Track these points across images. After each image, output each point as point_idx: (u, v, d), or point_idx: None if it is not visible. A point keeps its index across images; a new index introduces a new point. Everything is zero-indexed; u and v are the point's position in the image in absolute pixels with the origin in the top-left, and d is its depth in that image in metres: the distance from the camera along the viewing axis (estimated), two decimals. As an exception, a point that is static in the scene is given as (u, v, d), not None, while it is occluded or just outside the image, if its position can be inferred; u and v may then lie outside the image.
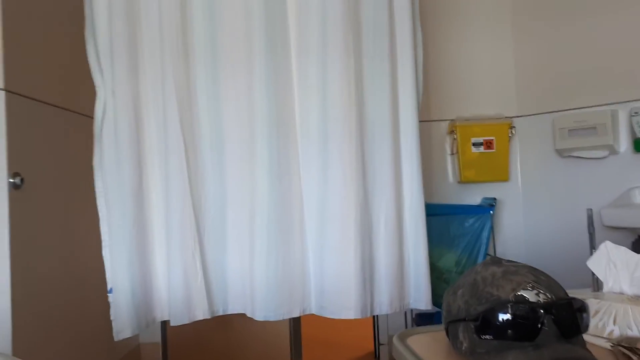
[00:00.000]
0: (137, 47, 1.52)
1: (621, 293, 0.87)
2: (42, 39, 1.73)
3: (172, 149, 1.49)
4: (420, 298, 1.66)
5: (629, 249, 2.04)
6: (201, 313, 1.49)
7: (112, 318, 1.45)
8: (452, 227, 2.20)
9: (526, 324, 0.67)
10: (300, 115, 1.57)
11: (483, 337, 0.70)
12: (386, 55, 1.64)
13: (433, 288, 1.69)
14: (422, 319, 2.31)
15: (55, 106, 1.79)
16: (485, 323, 0.70)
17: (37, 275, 1.65)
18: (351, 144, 1.57)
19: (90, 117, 1.55)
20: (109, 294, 1.48)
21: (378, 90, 1.63)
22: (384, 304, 1.60)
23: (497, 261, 0.79)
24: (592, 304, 0.83)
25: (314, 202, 1.57)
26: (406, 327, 2.22)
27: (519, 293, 0.70)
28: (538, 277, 0.74)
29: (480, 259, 2.15)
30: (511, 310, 0.68)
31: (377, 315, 2.47)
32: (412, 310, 2.34)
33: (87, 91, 1.55)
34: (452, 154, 2.45)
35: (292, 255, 1.53)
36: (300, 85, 1.57)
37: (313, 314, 1.60)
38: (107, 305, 1.48)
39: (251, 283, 1.51)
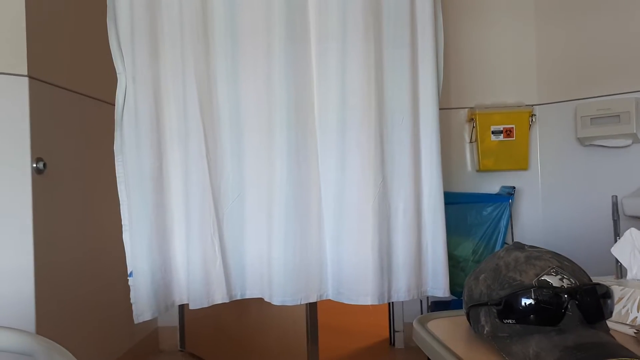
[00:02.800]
0: (157, 33, 1.52)
1: (646, 280, 0.86)
2: (64, 27, 1.75)
3: (192, 134, 1.50)
4: (439, 285, 1.65)
5: (652, 239, 1.98)
6: (220, 297, 1.51)
7: (132, 301, 1.47)
8: (470, 216, 2.18)
9: (550, 309, 0.67)
10: (319, 102, 1.57)
11: (505, 321, 0.70)
12: (407, 42, 1.62)
13: (450, 276, 1.68)
14: (438, 307, 2.31)
15: (77, 93, 1.81)
16: (508, 307, 0.70)
17: (60, 260, 1.68)
18: (370, 132, 1.56)
19: (111, 104, 1.56)
20: (129, 278, 1.50)
21: (398, 78, 1.62)
22: (401, 291, 1.60)
23: (520, 246, 0.79)
24: (616, 290, 0.82)
25: (332, 190, 1.57)
26: (421, 313, 2.22)
27: (543, 278, 0.70)
28: (562, 263, 0.73)
29: (497, 248, 2.14)
30: (534, 295, 0.68)
31: (392, 303, 2.48)
32: (427, 298, 2.34)
33: (109, 78, 1.57)
34: (471, 142, 2.42)
35: (310, 241, 1.54)
36: (320, 72, 1.56)
37: (329, 300, 1.60)
38: (128, 289, 1.50)
39: (269, 268, 1.52)
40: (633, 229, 0.89)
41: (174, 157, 1.52)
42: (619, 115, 2.11)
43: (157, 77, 1.53)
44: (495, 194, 2.30)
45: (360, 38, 1.55)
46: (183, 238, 1.51)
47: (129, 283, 1.50)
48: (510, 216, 2.19)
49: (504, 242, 2.17)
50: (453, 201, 2.10)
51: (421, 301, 2.37)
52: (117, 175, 1.52)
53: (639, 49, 2.10)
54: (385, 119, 1.61)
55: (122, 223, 1.51)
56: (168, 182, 1.52)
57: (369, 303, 1.53)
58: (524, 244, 0.80)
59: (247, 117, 1.56)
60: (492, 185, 2.39)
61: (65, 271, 1.72)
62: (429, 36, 1.66)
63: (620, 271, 0.93)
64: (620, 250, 0.89)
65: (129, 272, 1.51)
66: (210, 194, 1.50)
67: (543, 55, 2.42)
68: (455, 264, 2.15)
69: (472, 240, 2.16)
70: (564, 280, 0.69)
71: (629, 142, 2.11)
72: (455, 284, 1.76)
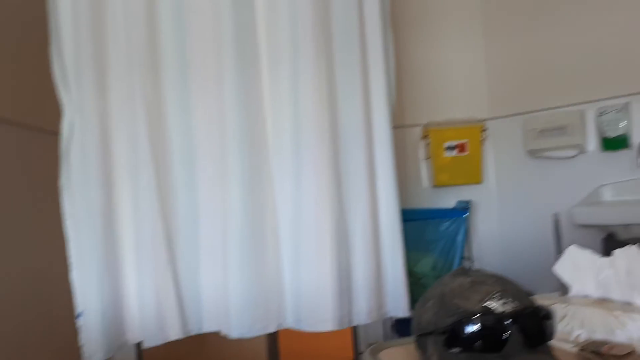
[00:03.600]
0: (104, 63, 1.48)
1: (587, 296, 0.88)
2: (4, 57, 1.69)
3: (142, 166, 1.47)
4: (399, 306, 1.66)
5: (600, 245, 2.07)
6: (174, 333, 1.46)
7: (82, 343, 1.41)
8: (428, 232, 2.21)
9: (493, 335, 0.68)
10: (273, 126, 1.56)
11: (451, 350, 0.70)
12: (358, 62, 1.64)
13: (410, 293, 1.69)
14: (401, 325, 2.31)
15: (19, 124, 1.75)
16: (453, 336, 0.70)
17: None
18: (324, 154, 1.56)
19: (56, 134, 1.51)
20: (78, 318, 1.44)
21: (350, 98, 1.63)
22: (362, 314, 1.59)
23: (464, 271, 0.80)
24: (559, 308, 0.84)
25: (289, 214, 1.56)
26: (384, 333, 2.22)
27: (486, 304, 0.70)
28: (505, 286, 0.74)
29: (456, 263, 2.17)
30: (478, 321, 0.68)
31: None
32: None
33: (53, 108, 1.52)
34: (426, 158, 2.46)
35: (267, 269, 1.52)
36: (272, 97, 1.56)
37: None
38: (77, 331, 1.44)
39: (225, 300, 1.49)
40: (573, 246, 0.92)
41: (124, 190, 1.48)
42: (564, 127, 2.19)
43: (105, 109, 1.49)
44: (452, 209, 2.34)
45: (311, 61, 1.56)
46: (135, 273, 1.46)
47: (78, 324, 1.44)
48: (466, 230, 2.23)
49: (462, 256, 2.20)
50: (411, 217, 2.12)
51: (384, 320, 2.37)
52: (64, 211, 1.47)
53: (580, 63, 2.20)
54: (339, 140, 1.61)
55: (70, 261, 1.46)
56: (118, 216, 1.47)
57: (329, 329, 1.51)
58: (469, 268, 0.81)
59: (199, 145, 1.53)
60: (448, 200, 2.43)
61: (6, 314, 1.64)
62: (379, 57, 1.69)
63: (565, 287, 0.95)
64: (562, 268, 0.91)
65: (77, 313, 1.45)
66: (161, 226, 1.46)
67: (492, 71, 2.50)
68: (416, 280, 2.17)
69: (432, 256, 2.19)
70: (507, 304, 0.70)
71: (575, 152, 2.19)
72: (416, 301, 1.76)
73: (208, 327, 1.52)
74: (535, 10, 2.32)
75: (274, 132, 1.56)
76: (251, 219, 1.50)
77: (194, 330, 1.51)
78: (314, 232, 1.54)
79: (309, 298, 1.52)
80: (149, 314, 1.45)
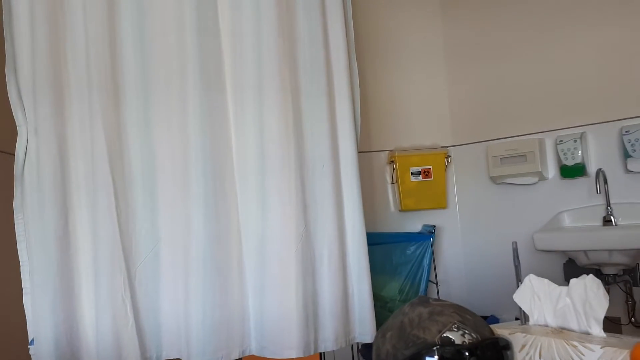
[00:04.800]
0: (62, 84, 1.45)
1: (546, 325, 0.89)
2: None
3: (100, 188, 1.43)
4: (365, 331, 1.65)
5: (561, 270, 2.12)
6: (133, 361, 1.41)
7: (33, 373, 1.34)
8: (395, 256, 2.22)
9: (452, 367, 0.67)
10: (237, 152, 1.55)
11: (411, 382, 0.69)
12: (323, 91, 1.66)
13: (377, 317, 1.68)
14: (368, 349, 2.30)
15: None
16: (412, 368, 0.69)
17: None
18: (290, 180, 1.56)
19: (9, 154, 1.46)
20: (30, 346, 1.37)
21: (316, 125, 1.65)
22: (328, 341, 1.57)
23: (424, 301, 0.80)
24: (519, 338, 0.84)
25: (253, 240, 1.54)
26: (352, 358, 2.20)
27: (445, 335, 0.70)
28: (464, 317, 0.74)
29: (422, 286, 2.18)
30: (437, 353, 0.68)
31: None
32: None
33: (7, 127, 1.47)
34: (392, 183, 2.49)
35: (230, 294, 1.49)
36: (237, 123, 1.56)
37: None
38: (28, 359, 1.37)
39: (186, 326, 1.44)
40: (531, 275, 0.93)
41: (81, 213, 1.43)
42: (525, 155, 2.25)
43: (62, 130, 1.45)
44: (417, 233, 2.36)
45: (276, 88, 1.57)
46: (91, 299, 1.41)
47: (30, 352, 1.38)
48: (432, 254, 2.25)
49: (428, 280, 2.22)
50: (378, 241, 2.13)
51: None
52: (17, 234, 1.41)
53: (540, 94, 2.28)
54: (305, 165, 1.62)
55: (23, 286, 1.40)
56: (74, 240, 1.42)
57: (294, 356, 1.48)
58: (429, 298, 0.81)
59: (161, 168, 1.51)
60: (414, 224, 2.45)
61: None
62: (344, 85, 1.72)
63: (524, 317, 0.96)
64: (522, 297, 0.92)
65: (29, 340, 1.38)
66: (120, 251, 1.42)
67: (455, 100, 2.57)
68: (382, 304, 2.16)
69: (398, 280, 2.19)
70: (466, 335, 0.70)
71: (536, 179, 2.25)
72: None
73: (168, 354, 1.47)
74: (496, 41, 2.41)
75: (239, 157, 1.55)
76: (214, 244, 1.48)
77: (153, 357, 1.46)
78: (278, 258, 1.53)
79: (273, 325, 1.50)
80: (106, 342, 1.39)
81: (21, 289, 1.40)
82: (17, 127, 1.41)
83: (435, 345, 0.69)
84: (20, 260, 1.40)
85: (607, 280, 1.94)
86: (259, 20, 1.57)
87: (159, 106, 1.52)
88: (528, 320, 0.94)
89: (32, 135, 1.41)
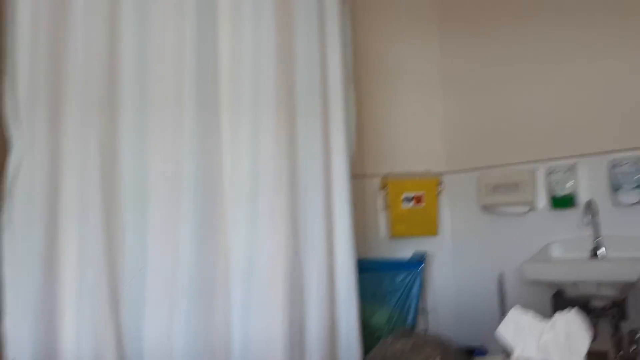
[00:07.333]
0: (59, 101, 1.45)
1: (529, 359, 0.89)
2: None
3: (90, 208, 1.42)
4: (352, 359, 1.63)
5: (550, 301, 2.11)
6: (113, 387, 1.38)
7: (10, 396, 1.31)
8: (384, 284, 2.21)
9: (432, 402, 0.67)
10: (231, 173, 1.55)
11: (390, 416, 0.69)
12: (318, 113, 1.68)
13: (365, 345, 1.66)
14: (356, 378, 2.26)
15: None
16: (392, 401, 0.69)
17: None
18: (282, 202, 1.56)
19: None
20: (8, 368, 1.34)
21: (310, 148, 1.66)
22: None
23: (407, 333, 0.79)
24: (502, 372, 0.84)
25: (241, 265, 1.53)
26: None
27: (426, 369, 0.70)
28: (446, 350, 0.74)
29: (411, 315, 2.16)
30: (417, 388, 0.68)
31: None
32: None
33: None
34: (384, 208, 2.49)
35: (215, 319, 1.47)
36: (232, 142, 1.56)
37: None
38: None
39: (170, 351, 1.42)
40: (516, 308, 0.93)
41: (69, 233, 1.42)
42: (517, 184, 2.27)
43: (57, 147, 1.45)
44: (408, 260, 2.35)
45: (272, 109, 1.58)
46: (73, 323, 1.38)
47: (9, 374, 1.34)
48: (422, 283, 2.24)
49: (417, 309, 2.20)
50: (368, 268, 2.12)
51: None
52: (3, 252, 1.40)
53: (533, 124, 2.31)
54: (298, 188, 1.62)
55: (4, 305, 1.37)
56: (60, 260, 1.40)
57: (279, 384, 1.46)
58: (412, 330, 0.81)
59: (154, 188, 1.50)
60: (405, 250, 2.45)
61: None
62: (339, 109, 1.74)
63: (507, 350, 0.96)
64: (505, 330, 0.92)
65: (8, 362, 1.35)
66: (106, 272, 1.40)
67: (449, 127, 2.60)
68: (371, 332, 2.14)
69: (387, 308, 2.18)
70: (447, 369, 0.70)
71: (527, 209, 2.26)
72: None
73: (150, 379, 1.44)
74: (491, 71, 2.45)
75: (232, 179, 1.55)
76: (202, 267, 1.47)
77: (134, 383, 1.43)
78: (266, 283, 1.52)
79: (258, 352, 1.48)
80: (86, 366, 1.36)
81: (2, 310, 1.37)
82: (11, 142, 1.41)
83: (415, 379, 0.68)
84: (3, 279, 1.38)
85: (595, 313, 1.93)
86: (259, 44, 1.59)
87: (155, 126, 1.52)
88: (512, 354, 0.94)
89: (25, 151, 1.40)
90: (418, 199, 2.41)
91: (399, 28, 2.64)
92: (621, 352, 1.95)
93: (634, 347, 1.67)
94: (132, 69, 1.52)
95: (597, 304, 1.91)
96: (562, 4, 2.25)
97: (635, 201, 1.98)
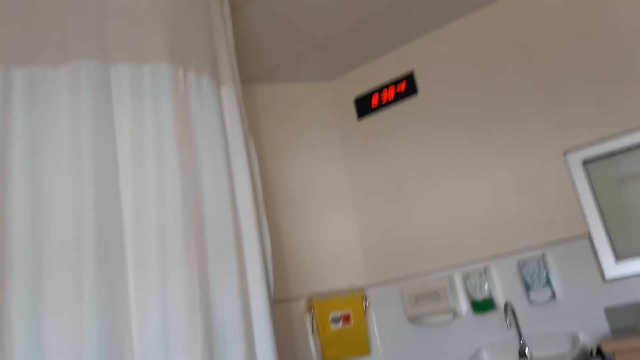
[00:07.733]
0: None
1: None
2: None
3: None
4: None
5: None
6: None
7: None
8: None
9: None
10: (138, 332, 1.44)
11: None
12: (232, 250, 1.64)
13: None
14: None
15: None
16: None
17: None
18: (197, 355, 1.45)
19: None
20: None
21: (226, 288, 1.59)
22: None
23: None
24: None
25: None
26: None
27: None
28: None
29: None
30: None
31: None
32: None
33: None
34: (313, 332, 2.42)
35: None
36: (138, 298, 1.47)
37: None
38: None
39: None
40: None
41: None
42: (437, 292, 2.30)
43: None
44: (342, 387, 2.25)
45: (181, 256, 1.52)
46: None
47: None
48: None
49: None
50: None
51: None
52: None
53: (444, 231, 2.42)
54: (214, 336, 1.53)
55: None
56: None
57: None
58: None
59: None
60: (339, 375, 2.35)
61: None
62: (254, 240, 1.71)
63: None
64: None
65: None
66: None
67: (366, 241, 2.65)
68: None
69: None
70: None
71: (450, 317, 2.28)
72: None
73: None
74: (397, 185, 2.58)
75: (140, 337, 1.44)
76: None
77: None
78: None
79: None
80: None
81: None
82: None
83: None
84: None
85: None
86: (162, 186, 1.56)
87: (51, 287, 1.40)
88: None
89: None
90: (346, 318, 2.37)
91: (306, 151, 2.76)
92: None
93: None
94: (24, 226, 1.43)
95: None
96: (459, 117, 2.48)
97: (546, 298, 2.07)
